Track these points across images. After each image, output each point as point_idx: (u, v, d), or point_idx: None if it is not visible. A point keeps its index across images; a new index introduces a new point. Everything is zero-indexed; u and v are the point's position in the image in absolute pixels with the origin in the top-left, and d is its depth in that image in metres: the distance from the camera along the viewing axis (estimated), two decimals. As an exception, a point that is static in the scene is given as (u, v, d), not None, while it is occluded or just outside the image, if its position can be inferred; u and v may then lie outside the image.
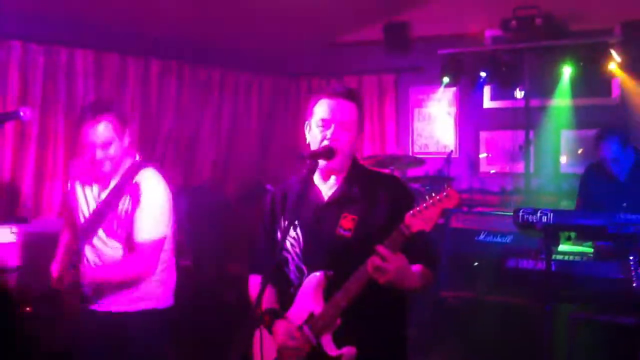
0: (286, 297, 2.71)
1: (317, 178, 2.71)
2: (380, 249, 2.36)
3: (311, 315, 2.56)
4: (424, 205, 2.33)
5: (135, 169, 3.31)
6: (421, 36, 6.88)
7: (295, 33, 6.51)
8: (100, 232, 3.28)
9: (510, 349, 4.67)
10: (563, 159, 6.46)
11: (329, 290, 2.55)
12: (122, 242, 3.27)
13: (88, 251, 3.31)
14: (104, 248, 3.30)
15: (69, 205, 3.49)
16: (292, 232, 2.69)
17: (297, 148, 7.11)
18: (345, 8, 6.21)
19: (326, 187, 2.69)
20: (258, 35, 6.17)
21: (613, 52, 5.79)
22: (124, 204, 3.25)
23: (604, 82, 6.21)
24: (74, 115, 5.25)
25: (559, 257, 4.63)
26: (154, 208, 3.26)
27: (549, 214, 4.24)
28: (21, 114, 3.28)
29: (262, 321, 2.66)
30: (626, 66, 5.87)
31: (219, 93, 6.70)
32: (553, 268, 4.33)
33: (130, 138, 3.32)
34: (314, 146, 2.61)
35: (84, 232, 3.31)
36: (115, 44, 5.59)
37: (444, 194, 2.34)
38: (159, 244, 3.29)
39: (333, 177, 2.68)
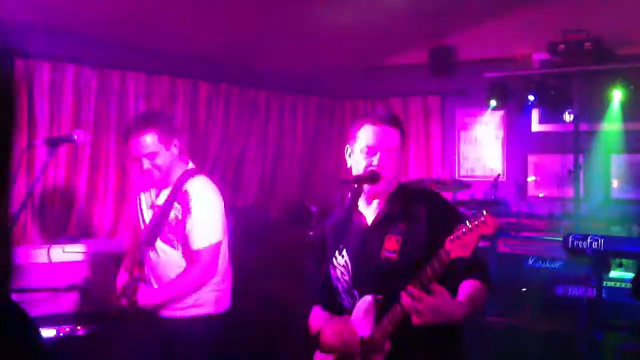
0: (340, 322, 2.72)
1: (362, 204, 2.72)
2: (410, 289, 2.33)
3: (362, 339, 2.57)
4: (462, 230, 2.32)
5: (185, 177, 3.41)
6: (467, 59, 6.86)
7: (341, 55, 6.55)
8: (158, 241, 3.40)
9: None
10: (614, 184, 6.33)
11: (380, 313, 2.55)
12: (181, 249, 3.39)
13: (150, 261, 3.43)
14: (164, 256, 3.41)
15: (134, 217, 3.68)
16: (340, 260, 2.71)
17: (340, 170, 7.13)
18: (391, 31, 6.22)
19: (370, 211, 2.70)
20: (304, 57, 6.23)
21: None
22: (175, 212, 3.36)
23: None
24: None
25: (610, 284, 4.54)
26: (205, 215, 3.36)
27: (599, 240, 4.16)
28: (75, 137, 3.42)
29: (315, 341, 2.69)
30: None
31: (264, 115, 6.77)
32: (603, 295, 4.24)
33: (180, 147, 3.43)
34: (356, 171, 2.63)
35: (144, 242, 3.44)
36: (165, 67, 5.72)
37: (482, 219, 2.32)
38: (215, 249, 3.39)
39: (376, 201, 2.69)
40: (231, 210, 6.03)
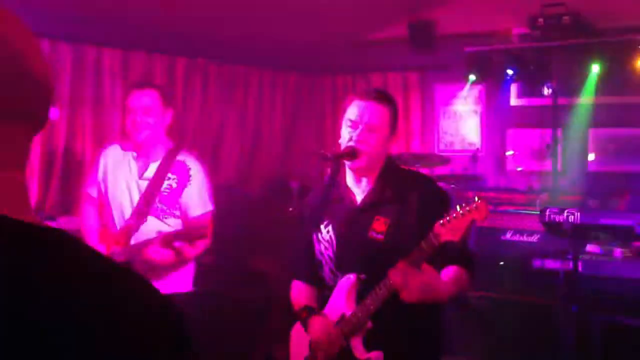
0: (321, 299, 2.73)
1: (350, 181, 2.71)
2: (401, 265, 2.34)
3: (342, 317, 2.58)
4: (453, 215, 2.32)
5: (175, 150, 3.57)
6: (447, 34, 6.83)
7: (320, 30, 6.50)
8: (153, 212, 3.47)
9: (534, 350, 4.63)
10: (591, 158, 6.38)
11: (361, 293, 2.56)
12: (179, 218, 3.51)
13: (143, 231, 3.45)
14: (161, 226, 3.45)
15: (100, 183, 3.66)
16: (325, 235, 2.71)
17: (321, 145, 7.11)
18: (370, 5, 6.19)
19: (359, 190, 2.70)
20: (283, 32, 6.18)
21: (642, 50, 5.71)
22: (170, 182, 3.48)
23: (633, 80, 6.11)
24: (101, 113, 5.32)
25: (587, 257, 4.59)
26: (201, 184, 3.54)
27: (576, 214, 4.21)
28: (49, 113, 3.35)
29: (299, 317, 2.70)
30: (655, 64, 5.78)
31: (243, 90, 6.72)
32: (580, 268, 4.29)
33: (170, 122, 3.59)
34: (342, 146, 2.63)
35: (137, 214, 3.48)
36: (142, 42, 5.64)
37: (474, 205, 2.32)
38: (211, 216, 3.55)
39: (365, 180, 2.68)
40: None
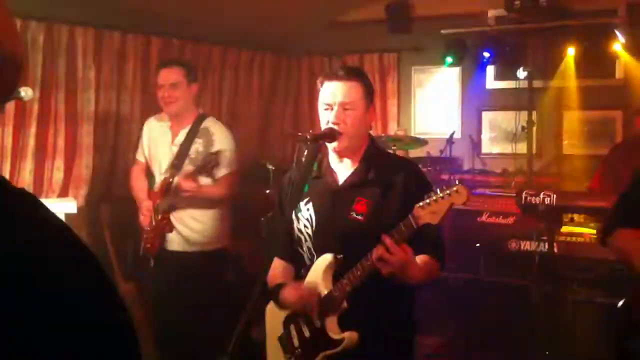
0: (298, 278, 2.72)
1: (333, 160, 2.69)
2: (386, 239, 2.34)
3: (318, 297, 2.56)
4: (433, 198, 2.31)
5: (201, 117, 4.14)
6: (423, 15, 6.82)
7: (297, 11, 6.45)
8: (181, 172, 4.02)
9: (511, 330, 4.68)
10: (566, 141, 6.43)
11: (338, 273, 2.55)
12: (207, 177, 4.06)
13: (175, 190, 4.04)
14: (188, 185, 3.99)
15: (143, 152, 4.37)
16: (305, 213, 2.68)
17: (297, 126, 7.08)
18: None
19: (341, 169, 2.67)
20: (260, 12, 6.11)
21: (617, 33, 5.74)
22: (197, 145, 4.04)
23: (608, 63, 6.16)
24: (73, 93, 5.22)
25: (562, 238, 4.63)
26: (227, 146, 4.07)
27: (551, 196, 4.24)
28: (22, 93, 3.31)
29: (271, 294, 2.68)
30: (630, 47, 5.82)
31: (219, 71, 6.65)
32: (555, 250, 4.34)
33: (196, 93, 4.19)
34: (321, 129, 2.61)
35: (171, 173, 4.05)
36: (115, 22, 5.54)
37: (454, 189, 2.31)
38: (235, 176, 4.17)
39: (347, 160, 2.66)
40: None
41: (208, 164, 3.94)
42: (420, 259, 2.50)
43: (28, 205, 0.93)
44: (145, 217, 4.14)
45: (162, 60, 4.38)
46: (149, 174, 4.38)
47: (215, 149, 4.03)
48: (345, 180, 2.65)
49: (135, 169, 4.46)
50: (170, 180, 4.04)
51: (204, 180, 4.07)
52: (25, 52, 4.90)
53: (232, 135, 4.22)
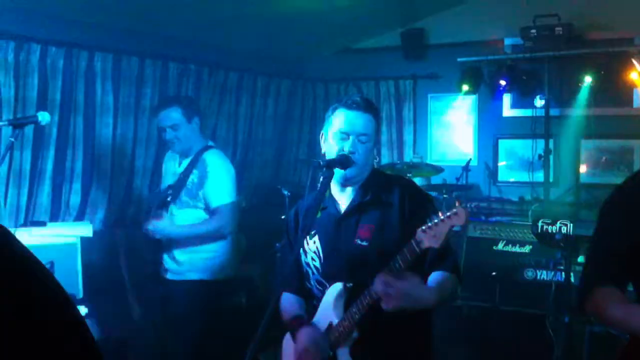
0: (310, 309, 2.70)
1: (335, 190, 2.69)
2: (382, 276, 2.32)
3: (330, 326, 2.55)
4: (435, 221, 2.29)
5: (204, 149, 4.13)
6: (439, 43, 6.85)
7: (313, 38, 6.50)
8: (178, 202, 4.06)
9: (526, 360, 4.62)
10: (583, 169, 6.39)
11: (349, 301, 2.53)
12: (203, 210, 4.05)
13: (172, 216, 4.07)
14: (184, 215, 4.05)
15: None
16: (312, 246, 2.68)
17: (312, 152, 7.10)
18: (363, 14, 6.19)
19: (344, 199, 2.68)
20: (276, 39, 6.17)
21: (634, 62, 5.72)
22: (193, 177, 4.04)
23: (625, 92, 6.14)
24: (92, 117, 5.27)
25: (579, 268, 4.58)
26: (221, 178, 4.03)
27: (568, 225, 4.20)
28: (39, 118, 3.34)
29: (289, 327, 2.67)
30: (647, 76, 5.79)
31: (236, 97, 6.69)
32: (572, 279, 4.29)
33: (199, 125, 4.17)
34: (329, 156, 2.60)
35: (161, 202, 4.09)
36: (134, 47, 5.60)
37: (454, 210, 2.30)
38: (232, 207, 4.06)
39: (350, 189, 2.67)
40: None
41: (162, 201, 4.03)
42: (432, 277, 2.48)
43: None
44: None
45: (159, 101, 4.38)
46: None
47: (210, 179, 4.01)
48: (347, 208, 2.66)
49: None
50: (168, 199, 4.12)
51: (196, 213, 4.08)
52: (44, 76, 4.96)
53: (229, 167, 4.19)
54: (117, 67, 5.48)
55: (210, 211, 4.04)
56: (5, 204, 4.79)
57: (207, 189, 4.03)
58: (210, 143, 4.28)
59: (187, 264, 4.08)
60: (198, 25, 5.60)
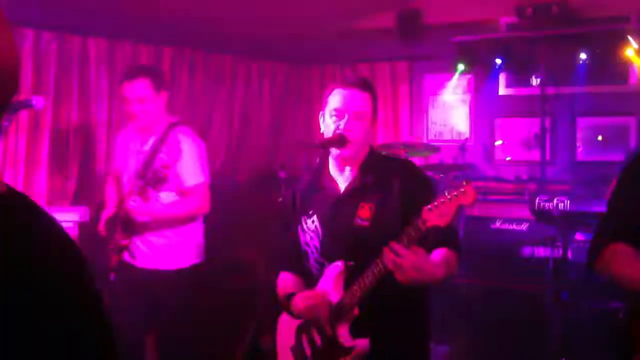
0: (308, 289, 2.71)
1: (333, 170, 2.69)
2: (394, 245, 2.32)
3: (329, 305, 2.55)
4: (441, 200, 2.29)
5: (172, 126, 3.84)
6: (435, 23, 6.81)
7: (308, 20, 6.46)
8: (143, 187, 3.69)
9: (525, 338, 4.64)
10: (579, 147, 6.39)
11: (349, 280, 2.54)
12: (173, 190, 3.76)
13: (134, 206, 3.70)
14: (146, 201, 3.70)
15: (116, 161, 4.10)
16: (311, 225, 2.69)
17: (309, 135, 7.09)
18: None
19: (342, 179, 2.68)
20: (270, 22, 6.13)
21: (630, 39, 5.70)
22: (163, 155, 3.68)
23: (621, 69, 6.13)
24: (86, 102, 5.26)
25: (576, 245, 4.59)
26: (195, 156, 3.77)
27: (565, 202, 4.21)
28: (34, 102, 3.33)
29: (283, 304, 2.68)
30: (644, 53, 5.78)
31: (230, 80, 6.67)
32: (569, 256, 4.30)
33: (167, 100, 3.87)
34: (326, 136, 2.61)
35: (133, 185, 3.74)
36: (127, 32, 5.57)
37: (461, 190, 2.29)
38: (205, 187, 3.84)
39: (348, 168, 2.67)
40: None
41: (154, 178, 3.57)
42: (436, 253, 2.48)
43: (22, 207, 0.96)
44: (101, 227, 3.88)
45: (125, 71, 3.95)
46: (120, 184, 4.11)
47: (183, 159, 3.66)
48: (346, 188, 2.65)
49: (108, 178, 4.24)
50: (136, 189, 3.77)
51: (166, 195, 3.79)
52: (38, 61, 4.94)
53: (203, 145, 3.92)
54: (110, 52, 5.46)
55: (182, 191, 3.79)
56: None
57: (181, 167, 3.74)
58: (174, 120, 3.98)
59: (160, 250, 3.84)
60: (192, 10, 5.57)
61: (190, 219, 3.88)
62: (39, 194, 4.95)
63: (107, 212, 3.90)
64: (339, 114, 2.59)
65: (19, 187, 4.85)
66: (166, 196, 3.76)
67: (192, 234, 3.92)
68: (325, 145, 2.58)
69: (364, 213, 2.58)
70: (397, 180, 2.59)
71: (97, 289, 0.97)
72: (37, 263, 0.88)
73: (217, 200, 5.78)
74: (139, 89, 3.72)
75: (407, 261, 2.29)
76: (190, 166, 3.76)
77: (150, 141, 3.83)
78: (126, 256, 3.82)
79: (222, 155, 6.66)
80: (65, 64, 5.12)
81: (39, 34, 4.95)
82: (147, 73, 3.81)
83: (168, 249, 3.83)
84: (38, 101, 3.39)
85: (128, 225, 3.75)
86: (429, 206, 2.30)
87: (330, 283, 2.58)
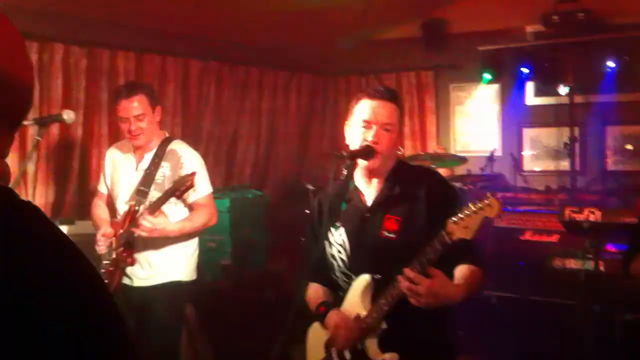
0: (336, 301, 2.70)
1: (360, 181, 2.68)
2: (408, 272, 2.31)
3: (357, 317, 2.54)
4: (466, 212, 2.27)
5: (167, 141, 3.73)
6: (460, 32, 6.80)
7: (333, 31, 6.48)
8: (150, 196, 3.60)
9: (555, 350, 4.58)
10: (609, 157, 6.31)
11: (377, 293, 2.53)
12: (174, 204, 3.59)
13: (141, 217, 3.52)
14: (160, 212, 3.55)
15: (106, 180, 3.92)
16: (338, 238, 2.68)
17: (336, 146, 7.09)
18: (382, 5, 6.16)
19: (369, 190, 2.66)
20: (296, 33, 6.16)
21: (659, 46, 5.64)
22: (163, 170, 3.63)
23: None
24: (116, 115, 5.31)
25: (607, 256, 4.53)
26: (199, 167, 3.64)
27: (596, 213, 4.15)
28: (65, 116, 3.39)
29: (317, 313, 2.67)
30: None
31: (257, 92, 6.71)
32: (601, 268, 4.24)
33: (160, 116, 3.74)
34: (353, 147, 2.59)
35: (135, 200, 3.63)
36: (155, 45, 5.64)
37: (486, 202, 2.27)
38: (212, 197, 3.76)
39: (375, 180, 2.65)
40: (226, 190, 6.03)
41: (181, 186, 3.38)
42: (459, 271, 2.46)
43: (31, 217, 0.95)
44: (100, 245, 3.66)
45: (121, 88, 3.80)
46: (112, 207, 3.91)
47: (185, 171, 3.53)
48: (373, 200, 2.64)
49: (96, 200, 4.01)
50: (136, 208, 3.61)
51: (169, 208, 3.61)
52: (68, 75, 5.00)
53: (200, 157, 3.79)
54: (139, 65, 5.52)
55: (189, 204, 3.67)
56: (33, 201, 4.84)
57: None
58: (167, 134, 3.83)
59: (160, 267, 3.68)
60: (219, 23, 5.62)
61: (200, 231, 3.78)
62: (71, 207, 5.00)
63: (105, 233, 3.67)
64: (367, 124, 2.57)
65: (51, 200, 4.90)
66: (170, 210, 3.63)
67: (189, 249, 3.78)
68: (353, 156, 2.57)
69: (391, 225, 2.56)
70: (424, 192, 2.57)
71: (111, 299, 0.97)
72: (43, 269, 0.88)
73: (245, 213, 5.81)
74: (138, 105, 3.61)
75: (423, 288, 2.28)
76: (197, 177, 3.58)
77: (147, 158, 3.70)
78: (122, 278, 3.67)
79: (250, 168, 6.68)
80: (94, 77, 5.18)
81: (69, 49, 5.02)
82: (143, 90, 3.70)
83: (166, 264, 3.68)
84: (69, 115, 3.44)
85: (133, 244, 3.59)
86: (454, 219, 2.28)
87: (358, 296, 2.57)
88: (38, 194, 4.82)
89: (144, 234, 3.45)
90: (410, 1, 6.45)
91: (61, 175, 5.00)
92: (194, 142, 5.89)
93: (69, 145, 5.05)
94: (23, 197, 3.77)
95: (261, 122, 6.73)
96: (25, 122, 4.02)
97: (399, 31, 7.15)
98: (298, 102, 7.13)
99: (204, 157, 3.88)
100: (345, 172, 2.56)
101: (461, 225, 2.27)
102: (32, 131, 4.58)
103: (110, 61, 5.32)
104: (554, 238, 4.90)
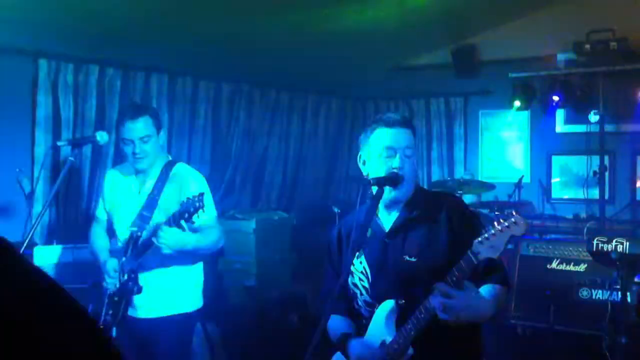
0: (358, 329, 2.70)
1: (381, 209, 2.68)
2: (441, 286, 2.31)
3: (383, 344, 2.54)
4: (492, 232, 2.27)
5: (170, 164, 3.59)
6: (491, 59, 6.81)
7: (363, 56, 6.53)
8: (153, 221, 3.43)
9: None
10: (639, 186, 6.24)
11: (400, 318, 2.52)
12: (181, 227, 3.37)
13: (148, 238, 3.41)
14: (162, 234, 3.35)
15: (105, 204, 3.73)
16: (359, 266, 2.68)
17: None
18: (413, 32, 6.20)
19: (389, 217, 2.66)
20: (326, 58, 6.22)
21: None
22: (167, 193, 3.47)
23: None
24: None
25: (636, 287, 4.46)
26: (204, 189, 3.44)
27: (624, 243, 4.10)
28: (98, 138, 3.45)
29: (339, 344, 2.67)
30: None
31: (287, 115, 6.78)
32: (629, 299, 4.18)
33: (163, 139, 3.64)
34: (375, 176, 2.58)
35: (138, 225, 3.47)
36: (188, 68, 5.74)
37: (512, 220, 2.27)
38: (217, 219, 3.60)
39: (396, 207, 2.65)
40: (252, 211, 6.08)
41: (191, 207, 3.22)
42: (486, 289, 2.46)
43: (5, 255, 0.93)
44: (112, 278, 3.48)
45: (126, 110, 3.69)
46: (110, 231, 3.75)
47: (192, 193, 3.33)
48: (393, 226, 2.65)
49: (94, 226, 3.80)
50: (139, 233, 3.46)
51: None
52: (100, 96, 5.11)
53: (205, 180, 3.64)
54: (172, 87, 5.62)
55: (195, 227, 3.43)
56: (64, 221, 4.93)
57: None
58: (170, 157, 3.72)
59: (167, 297, 3.53)
60: (250, 48, 5.70)
61: (210, 252, 3.64)
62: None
63: (116, 268, 3.51)
64: (390, 153, 2.58)
65: (82, 219, 4.99)
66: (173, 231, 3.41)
67: (195, 277, 3.66)
68: (380, 183, 2.57)
69: (412, 249, 2.57)
70: (443, 214, 2.58)
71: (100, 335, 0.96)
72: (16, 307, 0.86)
73: (272, 235, 5.85)
74: (143, 127, 3.44)
75: (455, 300, 2.28)
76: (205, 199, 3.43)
77: (150, 181, 3.56)
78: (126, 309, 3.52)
79: (278, 190, 6.73)
80: (128, 98, 5.29)
81: (103, 70, 5.13)
82: (148, 111, 3.56)
83: (173, 293, 3.55)
84: (102, 137, 3.51)
85: (137, 272, 3.46)
86: (480, 239, 2.28)
87: (382, 322, 2.56)
88: (70, 213, 4.91)
89: (164, 243, 3.28)
90: (442, 28, 6.48)
91: (93, 196, 5.08)
92: (223, 163, 6.00)
93: (101, 165, 5.14)
94: (54, 216, 3.79)
95: (290, 145, 6.79)
96: (59, 143, 4.15)
97: (429, 57, 7.18)
98: (326, 126, 7.18)
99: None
100: (371, 200, 2.57)
101: (487, 244, 2.28)
102: (65, 152, 4.68)
103: (144, 82, 5.43)
104: (582, 267, 4.84)
